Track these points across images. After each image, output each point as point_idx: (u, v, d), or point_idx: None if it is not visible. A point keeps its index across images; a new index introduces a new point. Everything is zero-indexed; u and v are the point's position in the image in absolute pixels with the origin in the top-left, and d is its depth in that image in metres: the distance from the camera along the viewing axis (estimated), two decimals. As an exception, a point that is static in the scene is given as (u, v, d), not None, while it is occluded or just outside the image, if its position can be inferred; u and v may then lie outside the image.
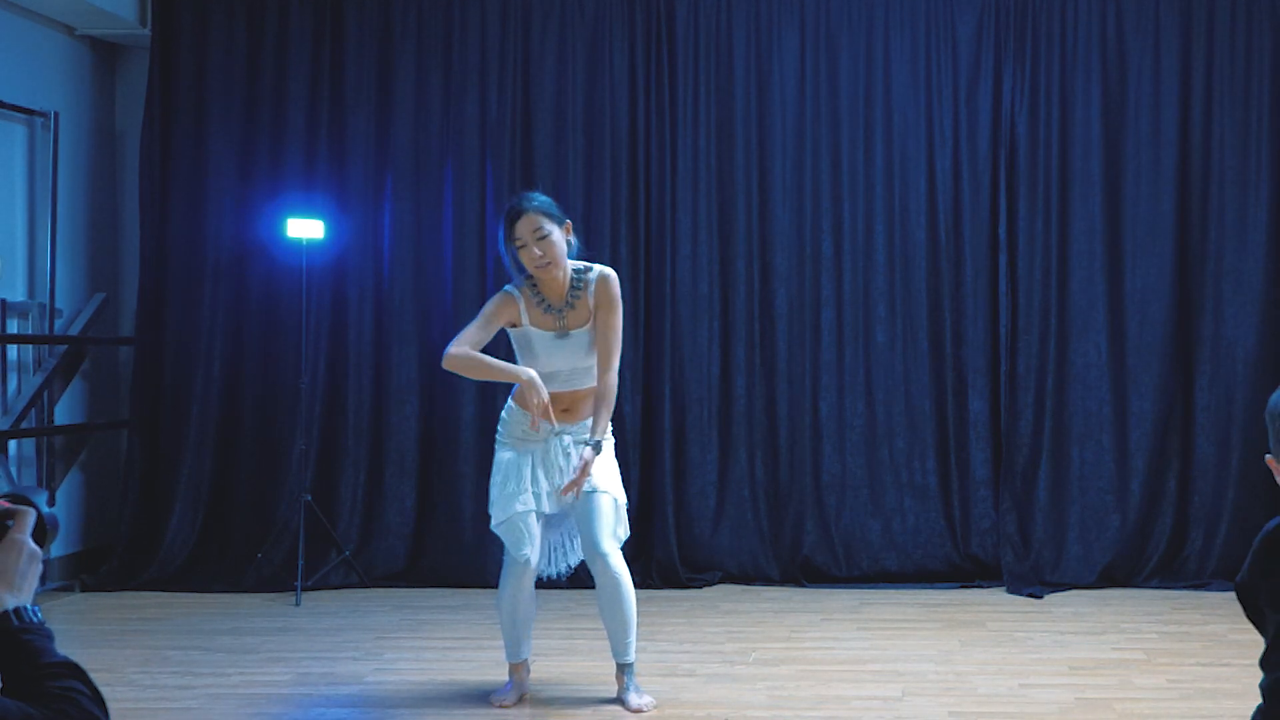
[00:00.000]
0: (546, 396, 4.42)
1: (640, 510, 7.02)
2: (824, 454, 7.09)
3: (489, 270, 7.12)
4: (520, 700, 4.80)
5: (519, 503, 4.56)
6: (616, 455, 4.77)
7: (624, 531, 4.67)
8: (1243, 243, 6.97)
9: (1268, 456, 2.32)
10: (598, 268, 4.64)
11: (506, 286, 4.67)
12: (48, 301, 6.97)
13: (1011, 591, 6.78)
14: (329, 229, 6.91)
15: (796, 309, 7.12)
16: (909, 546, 7.04)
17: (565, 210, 4.77)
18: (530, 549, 4.59)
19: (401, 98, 7.15)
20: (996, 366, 7.06)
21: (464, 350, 4.51)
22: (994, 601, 6.62)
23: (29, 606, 1.76)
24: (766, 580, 7.01)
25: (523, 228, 4.48)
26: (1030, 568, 6.91)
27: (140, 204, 7.16)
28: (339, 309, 7.18)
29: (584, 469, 4.47)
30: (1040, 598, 6.67)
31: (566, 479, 4.54)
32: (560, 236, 4.52)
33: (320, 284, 7.09)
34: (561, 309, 4.59)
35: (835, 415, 7.10)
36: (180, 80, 7.16)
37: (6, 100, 6.73)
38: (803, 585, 6.95)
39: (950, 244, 7.10)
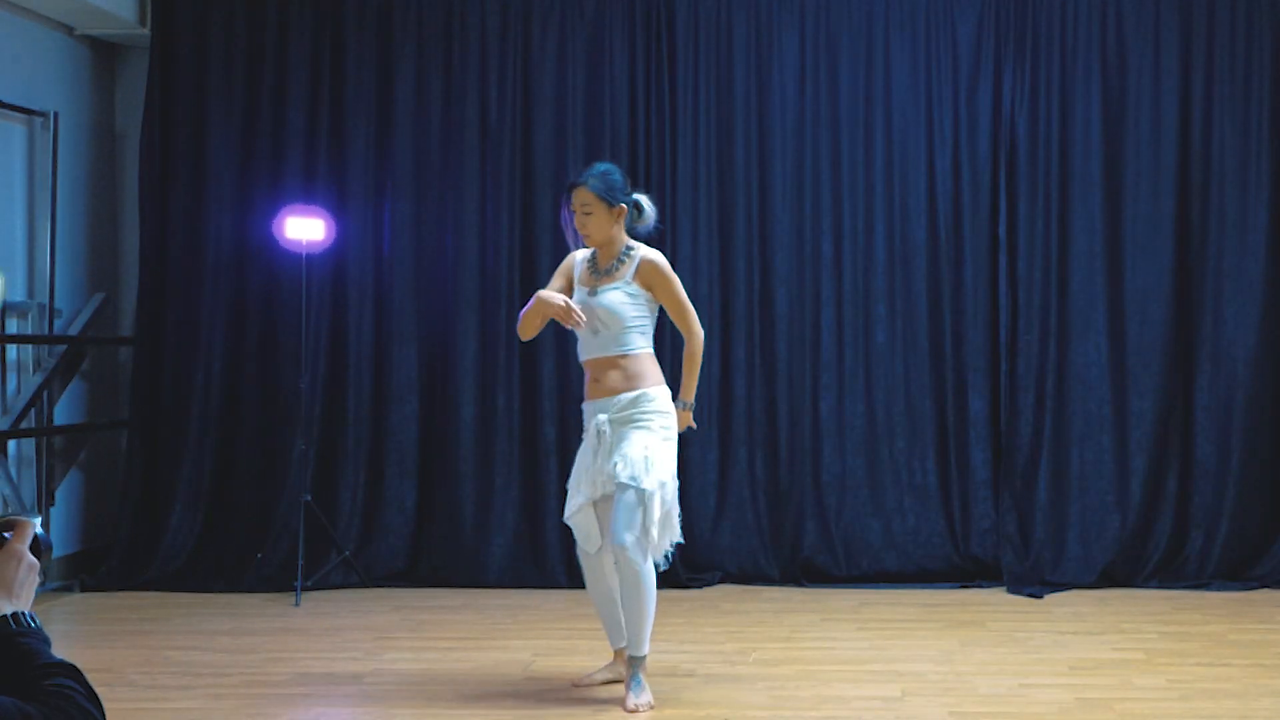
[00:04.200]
0: (560, 301, 4.73)
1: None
2: (824, 454, 7.09)
3: (489, 269, 7.12)
4: (602, 684, 4.95)
5: (579, 496, 4.81)
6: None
7: (665, 530, 4.77)
8: (1243, 243, 6.98)
9: None
10: (642, 250, 4.88)
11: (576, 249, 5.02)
12: (47, 301, 6.97)
13: (1011, 591, 6.78)
14: (329, 229, 6.91)
15: (796, 309, 7.12)
16: (909, 546, 7.04)
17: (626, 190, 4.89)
18: (592, 542, 4.83)
19: (401, 98, 7.15)
20: (996, 366, 7.06)
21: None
22: (994, 601, 6.62)
23: (26, 613, 1.80)
24: (766, 580, 7.00)
25: (575, 200, 4.85)
26: (1030, 568, 6.91)
27: (140, 204, 7.15)
28: (339, 309, 7.18)
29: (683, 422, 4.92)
30: (1040, 598, 6.67)
31: (601, 460, 4.73)
32: (605, 217, 4.82)
33: (320, 284, 7.08)
34: (602, 273, 4.87)
35: (835, 415, 7.09)
36: (180, 80, 7.15)
37: (6, 100, 6.73)
38: (803, 585, 6.95)
39: (950, 244, 7.10)
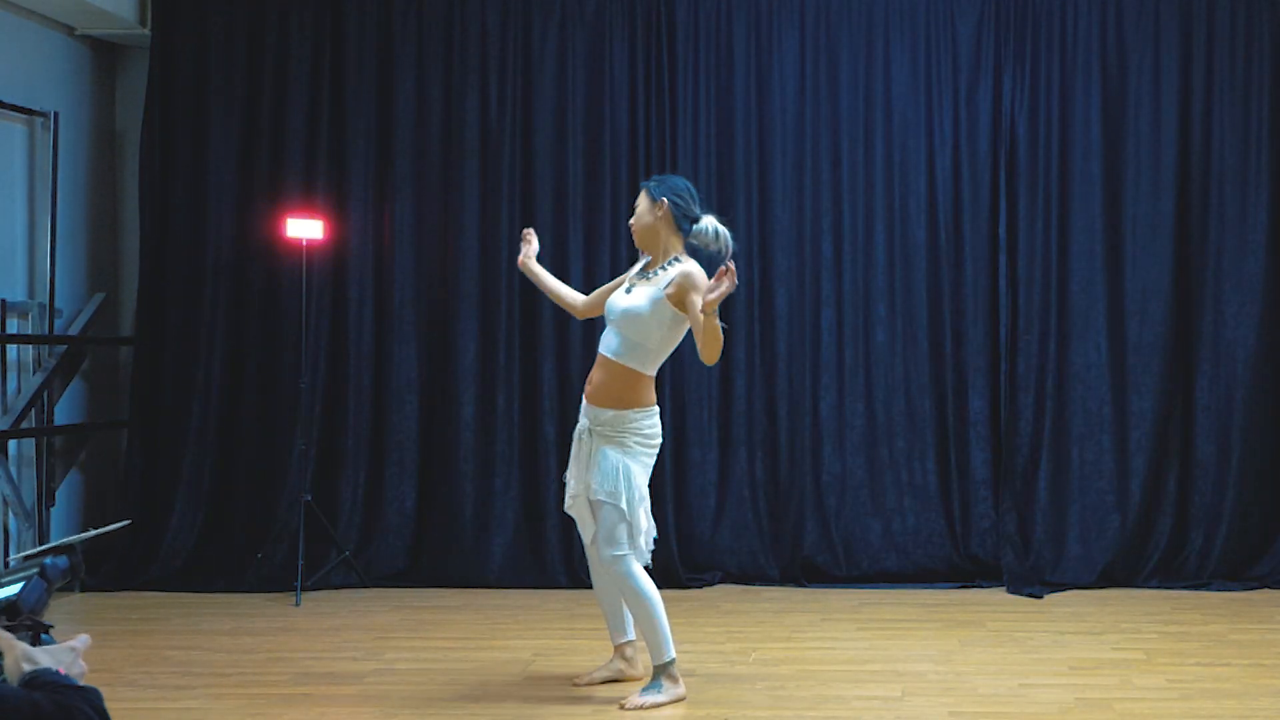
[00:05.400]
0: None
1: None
2: (824, 454, 7.09)
3: (489, 269, 7.12)
4: (602, 683, 4.96)
5: (570, 491, 4.88)
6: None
7: (633, 532, 4.71)
8: (1243, 243, 6.98)
9: None
10: (685, 261, 4.77)
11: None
12: (48, 301, 6.97)
13: (1011, 591, 6.78)
14: (329, 229, 6.91)
15: (796, 309, 7.12)
16: (909, 546, 7.04)
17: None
18: (588, 531, 4.86)
19: (401, 98, 7.15)
20: (996, 366, 7.06)
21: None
22: (994, 601, 6.62)
23: (67, 674, 1.95)
24: (766, 580, 7.00)
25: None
26: (1030, 568, 6.91)
27: (140, 204, 7.16)
28: (339, 309, 7.18)
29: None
30: (1040, 598, 6.67)
31: (580, 465, 4.81)
32: (646, 208, 4.85)
33: (320, 284, 7.09)
34: (645, 276, 4.84)
35: (835, 415, 7.09)
36: (180, 80, 7.15)
37: (6, 100, 6.73)
38: (803, 585, 6.95)
39: (950, 244, 7.10)
